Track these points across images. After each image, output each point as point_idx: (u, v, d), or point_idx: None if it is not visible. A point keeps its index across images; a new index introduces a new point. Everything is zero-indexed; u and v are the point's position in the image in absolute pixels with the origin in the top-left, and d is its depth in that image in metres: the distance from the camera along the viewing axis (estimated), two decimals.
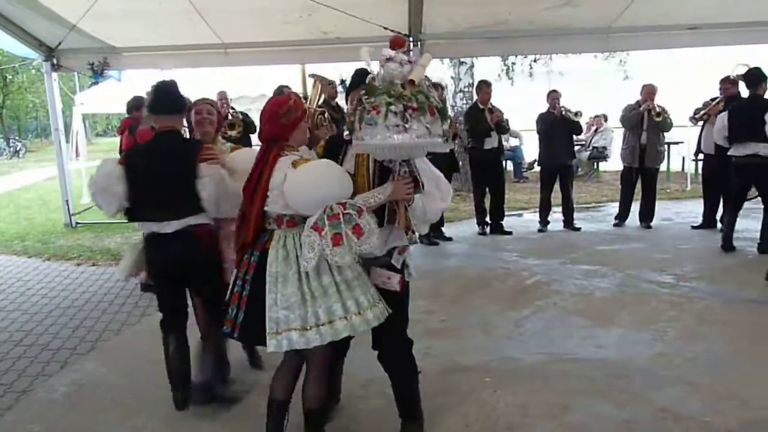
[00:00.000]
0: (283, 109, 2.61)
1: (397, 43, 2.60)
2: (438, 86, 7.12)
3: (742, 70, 6.16)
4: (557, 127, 7.63)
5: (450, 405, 3.32)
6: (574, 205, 8.02)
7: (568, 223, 7.82)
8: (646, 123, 7.46)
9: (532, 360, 3.91)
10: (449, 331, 4.49)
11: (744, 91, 6.92)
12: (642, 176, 7.72)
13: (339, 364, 3.26)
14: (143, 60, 9.05)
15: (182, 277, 3.20)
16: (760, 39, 8.67)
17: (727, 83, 7.12)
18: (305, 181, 2.44)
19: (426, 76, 2.54)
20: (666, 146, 8.49)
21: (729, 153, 6.26)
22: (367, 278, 2.63)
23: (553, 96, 7.69)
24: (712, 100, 7.26)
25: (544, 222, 7.85)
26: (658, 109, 7.41)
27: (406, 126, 2.33)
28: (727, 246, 6.36)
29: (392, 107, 2.33)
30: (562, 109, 7.64)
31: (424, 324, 4.54)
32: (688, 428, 3.04)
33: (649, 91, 7.60)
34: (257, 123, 8.13)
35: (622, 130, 7.94)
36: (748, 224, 7.23)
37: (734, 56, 11.24)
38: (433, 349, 4.09)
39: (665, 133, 7.75)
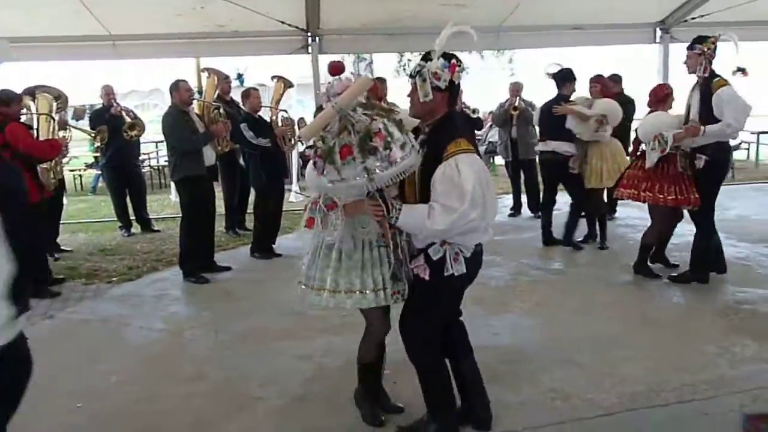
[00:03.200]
0: None
1: (334, 69, 2.71)
2: (383, 81, 7.04)
3: (554, 69, 6.39)
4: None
5: (349, 401, 3.33)
6: None
7: None
8: (515, 118, 7.86)
9: None
10: (349, 326, 4.47)
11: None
12: (522, 168, 8.13)
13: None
14: (22, 52, 8.42)
15: None
16: (639, 39, 9.34)
17: (611, 81, 7.57)
18: None
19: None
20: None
21: (536, 149, 6.72)
22: (380, 265, 2.77)
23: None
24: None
25: None
26: (516, 104, 7.83)
27: (323, 171, 2.55)
28: (547, 239, 6.61)
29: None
30: (463, 105, 7.86)
31: (325, 321, 4.54)
32: (574, 406, 3.23)
33: (514, 89, 8.05)
34: (145, 121, 7.86)
35: None
36: (629, 212, 7.78)
37: (618, 55, 12.03)
38: (335, 344, 4.11)
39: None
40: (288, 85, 7.04)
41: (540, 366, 3.72)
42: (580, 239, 6.54)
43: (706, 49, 4.72)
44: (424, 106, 2.62)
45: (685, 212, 5.22)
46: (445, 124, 2.63)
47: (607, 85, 6.42)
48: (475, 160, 2.54)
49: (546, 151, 6.43)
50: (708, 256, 5.10)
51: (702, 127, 4.73)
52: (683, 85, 5.26)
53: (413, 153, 2.56)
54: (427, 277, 2.70)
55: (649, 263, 5.44)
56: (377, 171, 2.47)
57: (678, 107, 5.27)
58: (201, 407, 3.36)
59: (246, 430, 3.12)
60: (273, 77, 7.05)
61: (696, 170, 4.91)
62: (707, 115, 4.75)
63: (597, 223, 6.52)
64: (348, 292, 2.75)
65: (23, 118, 5.66)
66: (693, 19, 8.60)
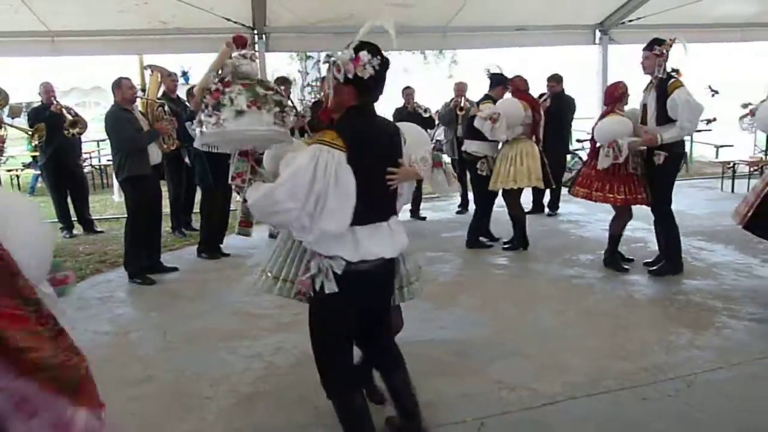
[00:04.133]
0: None
1: (239, 40, 2.88)
2: (286, 80, 7.09)
3: (496, 70, 6.45)
4: (411, 121, 7.90)
5: (303, 397, 3.35)
6: (422, 196, 8.39)
7: (415, 212, 8.16)
8: (460, 118, 7.99)
9: None
10: (301, 323, 4.48)
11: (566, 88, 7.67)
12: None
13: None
14: None
15: None
16: (579, 41, 9.63)
17: (553, 81, 7.79)
18: None
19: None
20: None
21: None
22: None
23: (408, 92, 7.99)
24: (540, 96, 7.92)
25: None
26: (462, 104, 7.97)
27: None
28: (470, 242, 6.60)
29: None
30: (415, 104, 7.95)
31: (277, 319, 4.54)
32: (520, 396, 3.34)
33: (459, 89, 8.20)
34: (86, 119, 7.63)
35: None
36: (570, 208, 8.02)
37: (564, 57, 12.35)
38: (285, 342, 4.11)
39: None
40: (165, 74, 6.95)
41: (486, 358, 3.82)
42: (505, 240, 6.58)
43: (664, 51, 4.93)
44: (333, 98, 2.49)
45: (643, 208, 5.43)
46: (341, 117, 2.48)
47: (519, 86, 6.39)
48: (325, 156, 2.29)
49: (464, 150, 6.55)
50: (679, 246, 5.34)
51: (658, 136, 4.95)
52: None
53: (251, 125, 2.64)
54: (311, 293, 2.52)
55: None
56: (205, 127, 2.66)
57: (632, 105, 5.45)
58: (149, 409, 3.32)
59: (196, 431, 3.09)
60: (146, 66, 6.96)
61: (654, 166, 5.11)
62: (663, 115, 4.97)
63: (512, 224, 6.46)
64: (284, 281, 2.91)
65: None
66: (630, 21, 8.93)
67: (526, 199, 8.41)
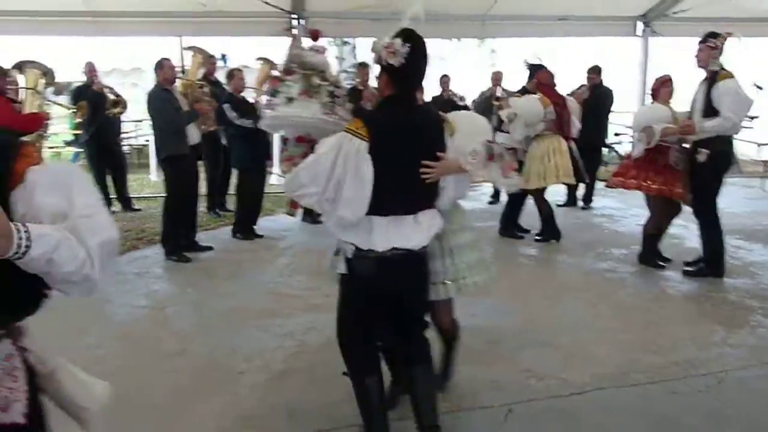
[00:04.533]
0: None
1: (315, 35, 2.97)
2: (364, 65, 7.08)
3: (536, 61, 6.30)
4: (447, 109, 7.90)
5: (335, 375, 3.39)
6: None
7: None
8: (494, 107, 7.93)
9: None
10: (332, 305, 4.55)
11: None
12: None
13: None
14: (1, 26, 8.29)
15: None
16: (620, 32, 9.49)
17: (593, 73, 7.69)
18: None
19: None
20: None
21: None
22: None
23: (444, 80, 7.99)
24: (579, 87, 7.82)
25: None
26: (498, 94, 7.91)
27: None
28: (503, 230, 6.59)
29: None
30: (450, 92, 7.94)
31: (308, 300, 4.62)
32: (548, 384, 3.35)
33: (495, 78, 8.15)
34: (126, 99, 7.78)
35: None
36: (605, 202, 7.94)
37: (600, 47, 12.17)
38: (317, 322, 4.18)
39: None
40: (273, 67, 7.03)
41: (516, 347, 3.83)
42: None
43: (719, 44, 4.76)
44: (378, 86, 2.52)
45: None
46: (375, 105, 2.53)
47: (543, 80, 6.23)
48: (347, 144, 2.33)
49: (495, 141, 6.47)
50: (721, 249, 5.09)
51: (695, 124, 4.78)
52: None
53: (288, 112, 2.70)
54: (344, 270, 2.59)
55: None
56: (265, 110, 2.80)
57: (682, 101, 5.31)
58: (184, 382, 3.41)
59: (229, 403, 3.18)
60: (258, 59, 7.04)
61: (697, 164, 4.89)
62: (709, 107, 4.76)
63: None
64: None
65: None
66: (674, 13, 8.75)
67: (559, 193, 8.37)
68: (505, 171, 2.88)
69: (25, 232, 1.22)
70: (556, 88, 6.25)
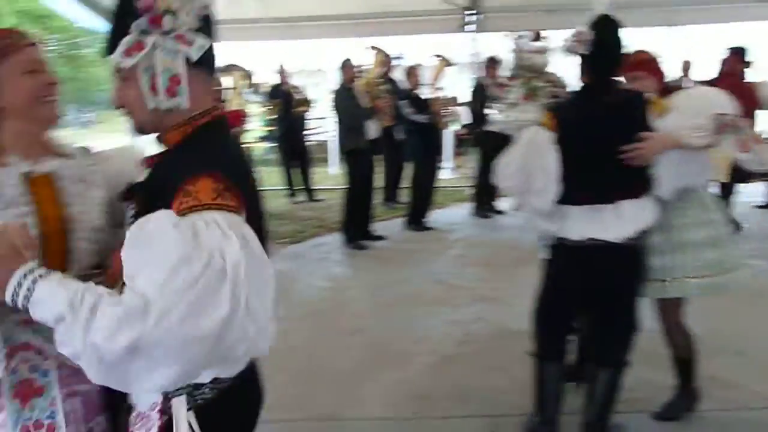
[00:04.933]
0: None
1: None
2: (494, 61, 7.11)
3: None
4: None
5: (501, 365, 3.46)
6: None
7: None
8: None
9: None
10: (501, 298, 4.61)
11: None
12: None
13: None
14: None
15: None
16: None
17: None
18: None
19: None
20: None
21: None
22: None
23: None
24: None
25: None
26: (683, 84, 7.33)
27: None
28: None
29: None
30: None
31: (477, 291, 4.70)
32: (735, 395, 3.10)
33: (684, 66, 7.69)
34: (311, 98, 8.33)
35: None
36: None
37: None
38: (485, 314, 4.25)
39: None
40: (447, 63, 7.18)
41: (701, 353, 3.57)
42: None
43: None
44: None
45: None
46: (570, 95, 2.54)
47: (733, 70, 5.56)
48: (537, 136, 2.43)
49: None
50: None
51: None
52: None
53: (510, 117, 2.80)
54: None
55: None
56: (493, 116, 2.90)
57: None
58: (359, 356, 3.66)
59: (400, 381, 3.36)
60: (434, 56, 7.23)
61: None
62: None
63: None
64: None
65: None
66: None
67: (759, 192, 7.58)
68: (743, 145, 2.52)
69: (28, 290, 1.05)
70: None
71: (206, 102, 1.25)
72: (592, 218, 2.40)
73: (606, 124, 2.36)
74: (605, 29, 2.34)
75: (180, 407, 1.17)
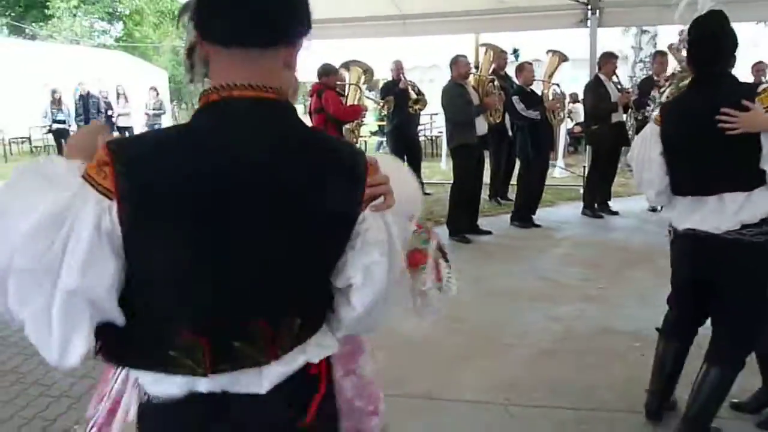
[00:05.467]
0: None
1: None
2: (612, 56, 6.97)
3: None
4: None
5: (598, 363, 3.49)
6: None
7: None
8: None
9: None
10: (605, 298, 4.58)
11: None
12: None
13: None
14: (329, 32, 9.73)
15: None
16: None
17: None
18: None
19: None
20: None
21: None
22: None
23: (757, 67, 7.26)
24: None
25: None
26: None
27: None
28: None
29: None
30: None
31: (581, 290, 4.69)
32: None
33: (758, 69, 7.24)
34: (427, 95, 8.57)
35: None
36: None
37: None
38: (586, 312, 4.25)
39: None
40: (562, 59, 7.12)
41: None
42: None
43: None
44: None
45: None
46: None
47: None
48: (648, 132, 2.64)
49: None
50: None
51: None
52: None
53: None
54: None
55: None
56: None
57: None
58: (461, 342, 3.81)
59: (496, 368, 3.47)
60: (548, 51, 7.19)
61: None
62: None
63: None
64: None
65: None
66: None
67: None
68: None
69: None
70: None
71: (221, 79, 1.06)
72: (694, 209, 2.48)
73: (707, 115, 2.34)
74: (705, 23, 2.43)
75: None
